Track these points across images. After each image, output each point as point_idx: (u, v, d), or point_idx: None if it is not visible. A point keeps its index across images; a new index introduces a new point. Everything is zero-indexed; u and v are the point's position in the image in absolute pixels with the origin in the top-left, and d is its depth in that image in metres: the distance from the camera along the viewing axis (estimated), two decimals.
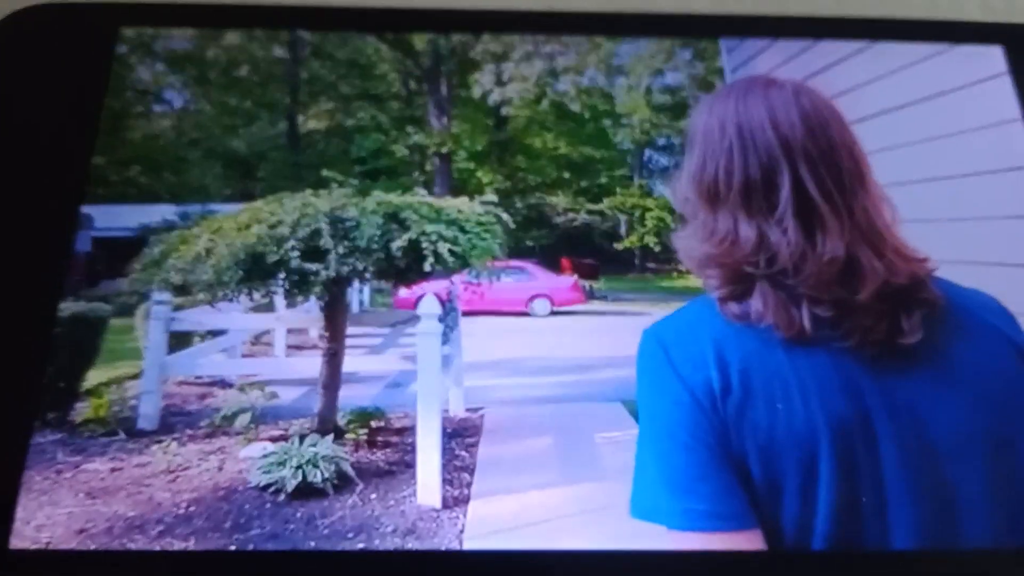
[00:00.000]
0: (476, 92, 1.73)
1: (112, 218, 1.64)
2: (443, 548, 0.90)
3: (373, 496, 0.99)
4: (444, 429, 1.09)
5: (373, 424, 1.13)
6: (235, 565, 0.63)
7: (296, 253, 1.08)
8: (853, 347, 0.39)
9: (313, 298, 1.19)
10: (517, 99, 1.73)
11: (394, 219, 1.17)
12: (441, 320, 1.12)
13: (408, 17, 0.88)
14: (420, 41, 1.81)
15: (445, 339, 1.14)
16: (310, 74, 1.87)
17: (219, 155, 1.88)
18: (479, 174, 1.75)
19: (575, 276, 1.50)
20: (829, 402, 0.38)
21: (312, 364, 1.20)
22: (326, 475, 0.98)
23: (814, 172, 0.40)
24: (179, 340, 1.35)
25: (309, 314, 1.28)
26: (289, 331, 1.48)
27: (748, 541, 0.38)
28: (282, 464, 0.98)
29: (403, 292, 1.39)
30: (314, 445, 1.01)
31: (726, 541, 0.38)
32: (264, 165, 1.86)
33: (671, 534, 0.39)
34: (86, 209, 1.74)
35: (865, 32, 0.80)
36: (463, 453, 1.09)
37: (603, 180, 1.75)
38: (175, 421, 1.21)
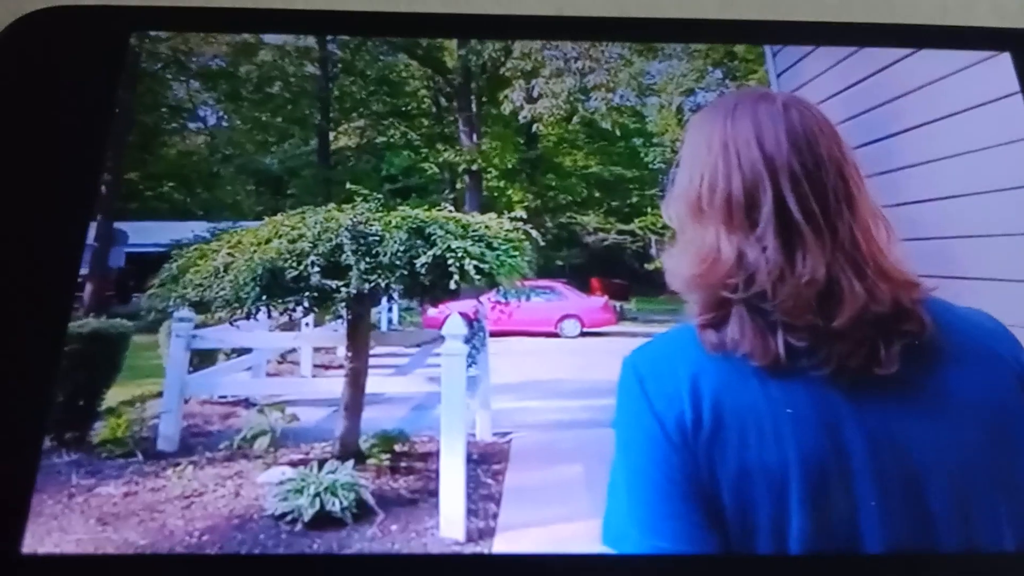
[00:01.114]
0: (506, 109, 1.68)
1: (146, 234, 1.61)
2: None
3: (394, 527, 0.90)
4: (470, 455, 1.01)
5: (396, 448, 1.05)
6: (251, 571, 0.59)
7: (317, 269, 1.01)
8: (832, 376, 0.37)
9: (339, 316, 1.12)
10: (547, 116, 1.67)
11: (419, 234, 1.09)
12: (467, 341, 1.04)
13: (435, 22, 0.83)
14: (450, 58, 1.76)
15: (472, 361, 1.06)
16: (341, 91, 1.83)
17: (251, 172, 1.85)
18: (509, 192, 1.68)
19: (606, 296, 1.42)
20: (803, 436, 0.37)
21: (338, 384, 1.13)
22: (345, 504, 0.90)
23: (797, 190, 0.38)
24: (203, 358, 1.29)
25: (336, 333, 1.22)
26: (316, 350, 1.41)
27: None
28: (299, 492, 0.90)
29: (431, 311, 1.32)
30: (333, 471, 0.93)
31: None
32: (295, 182, 1.82)
33: None
34: (120, 225, 1.72)
35: (870, 38, 0.78)
36: (489, 481, 1.00)
37: (634, 199, 1.67)
38: (195, 442, 1.14)
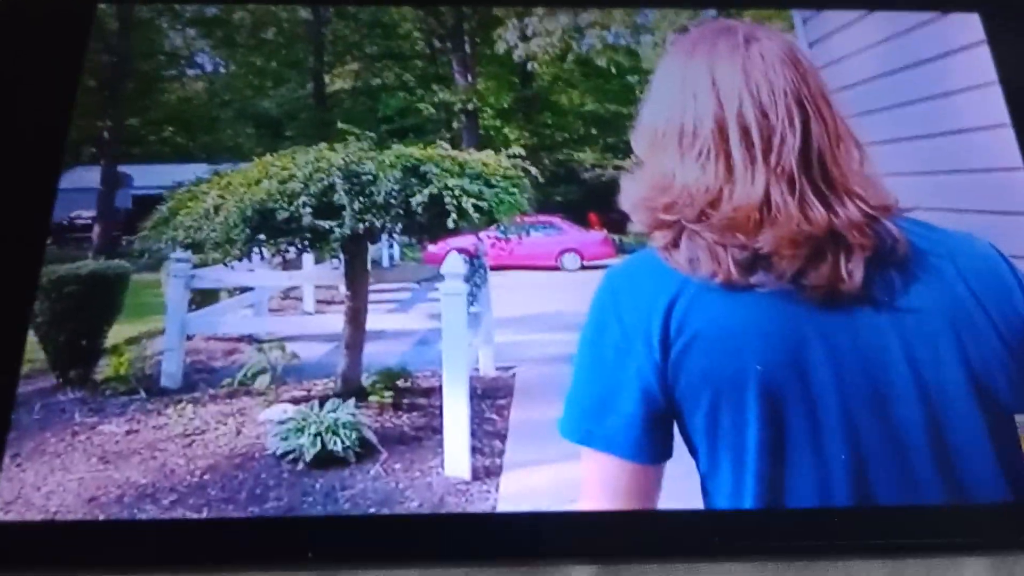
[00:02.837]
0: (500, 48, 1.53)
1: (151, 177, 1.49)
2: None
3: (397, 466, 0.81)
4: (474, 390, 0.91)
5: (399, 384, 0.94)
6: (228, 533, 0.54)
7: (309, 210, 0.89)
8: (799, 293, 0.36)
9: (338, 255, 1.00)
10: (541, 54, 1.52)
11: (414, 173, 0.97)
12: (467, 280, 0.92)
13: None
14: None
15: (473, 298, 0.94)
16: (334, 34, 1.67)
17: (250, 115, 1.70)
18: (505, 131, 1.54)
19: (604, 230, 1.30)
20: (764, 346, 0.36)
21: (339, 320, 1.02)
22: (347, 443, 0.80)
23: (742, 121, 0.37)
24: (205, 297, 1.18)
25: (335, 271, 1.10)
26: (318, 286, 1.30)
27: (637, 473, 0.37)
28: (300, 431, 0.80)
29: (432, 247, 1.21)
30: (334, 410, 0.83)
31: (617, 466, 0.37)
32: (293, 124, 1.68)
33: (581, 450, 0.38)
34: (125, 168, 1.58)
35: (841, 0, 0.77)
36: (494, 416, 0.90)
37: (630, 136, 1.53)
38: (199, 379, 1.04)
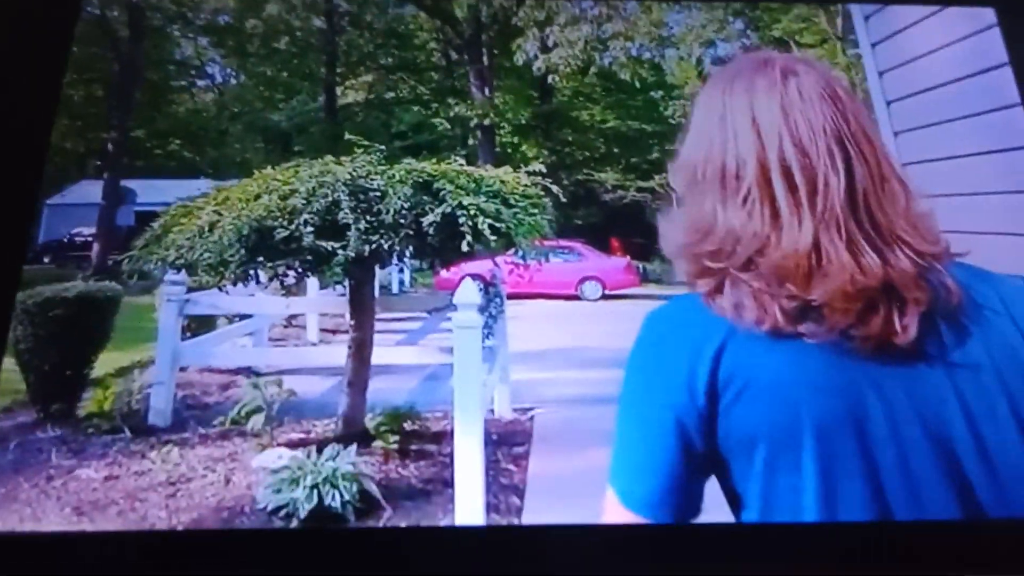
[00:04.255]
0: (519, 60, 1.45)
1: (155, 192, 1.43)
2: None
3: (402, 525, 0.71)
4: (489, 435, 0.81)
5: (406, 427, 0.85)
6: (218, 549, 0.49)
7: (310, 228, 0.79)
8: (846, 342, 0.34)
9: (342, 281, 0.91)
10: (562, 66, 1.44)
11: (426, 190, 0.87)
12: (482, 310, 0.83)
13: None
14: (460, 8, 1.52)
15: (489, 330, 0.85)
16: (348, 45, 1.60)
17: (259, 129, 1.63)
18: (523, 148, 1.45)
19: (628, 257, 1.20)
20: (818, 399, 0.34)
21: (342, 352, 0.93)
22: (346, 497, 0.71)
23: (784, 164, 0.36)
24: (202, 324, 1.10)
25: (339, 298, 1.01)
26: (323, 313, 1.21)
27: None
28: (295, 482, 0.71)
29: (444, 273, 1.12)
30: (333, 458, 0.74)
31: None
32: (303, 138, 1.60)
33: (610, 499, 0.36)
34: (129, 183, 1.49)
35: None
36: (510, 466, 0.80)
37: (654, 155, 1.44)
38: (190, 416, 0.95)
